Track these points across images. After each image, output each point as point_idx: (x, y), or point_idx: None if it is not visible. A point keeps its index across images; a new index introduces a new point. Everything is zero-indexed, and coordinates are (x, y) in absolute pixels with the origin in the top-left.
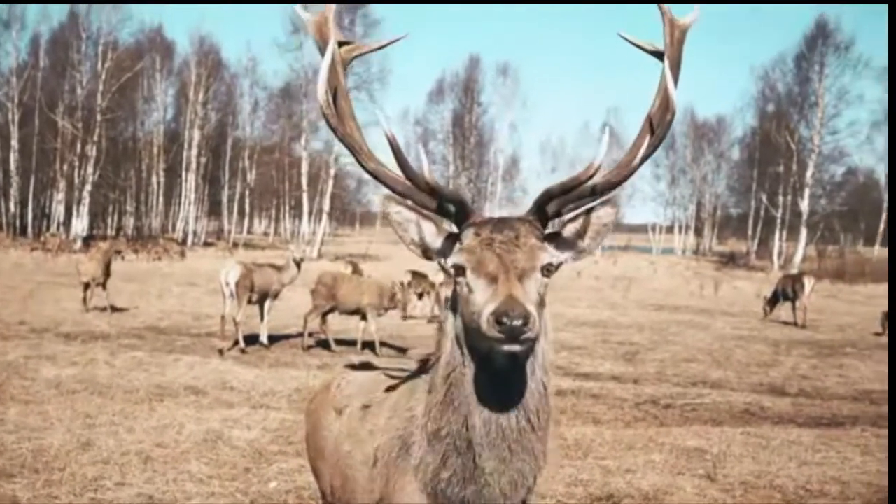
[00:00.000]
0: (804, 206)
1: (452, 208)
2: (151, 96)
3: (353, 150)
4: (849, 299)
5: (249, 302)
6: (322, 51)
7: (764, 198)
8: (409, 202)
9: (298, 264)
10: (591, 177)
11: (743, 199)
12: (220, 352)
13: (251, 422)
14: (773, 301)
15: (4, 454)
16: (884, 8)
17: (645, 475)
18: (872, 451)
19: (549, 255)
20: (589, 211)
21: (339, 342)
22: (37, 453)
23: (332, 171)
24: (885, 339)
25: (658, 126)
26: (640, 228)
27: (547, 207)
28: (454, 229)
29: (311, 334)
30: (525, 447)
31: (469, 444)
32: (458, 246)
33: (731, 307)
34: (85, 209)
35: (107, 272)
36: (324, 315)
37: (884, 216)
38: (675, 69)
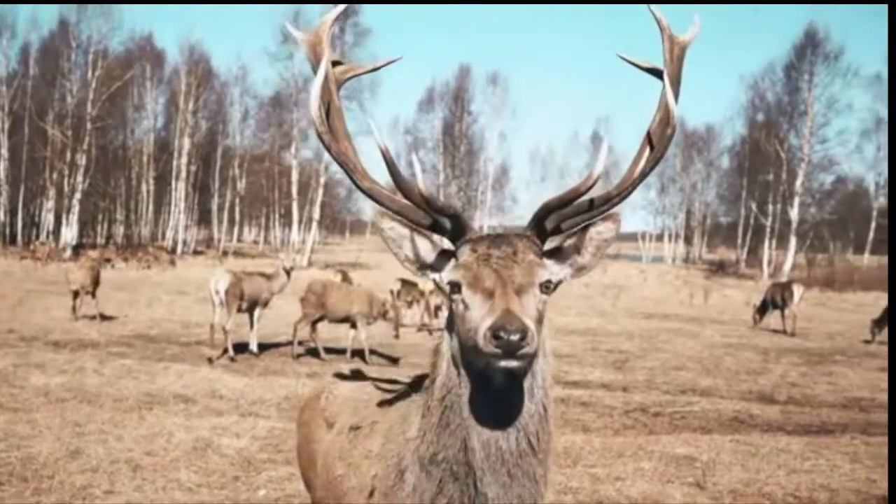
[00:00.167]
0: (794, 214)
1: (448, 224)
2: (141, 105)
3: (348, 169)
4: (838, 307)
5: (239, 310)
6: (316, 70)
7: (753, 206)
8: (403, 218)
9: (288, 273)
10: (589, 188)
11: (732, 208)
12: (210, 360)
13: (240, 430)
14: (762, 309)
15: None
16: (879, 9)
17: (634, 483)
18: (861, 459)
19: (548, 271)
20: (588, 226)
21: (329, 350)
22: (25, 461)
23: (322, 180)
24: (874, 347)
25: (658, 142)
26: (630, 237)
27: (546, 222)
28: (450, 246)
29: (300, 343)
30: (525, 471)
31: (469, 469)
32: (453, 262)
33: (721, 315)
34: (74, 217)
35: (96, 281)
36: (313, 323)
37: (873, 224)
38: (675, 86)
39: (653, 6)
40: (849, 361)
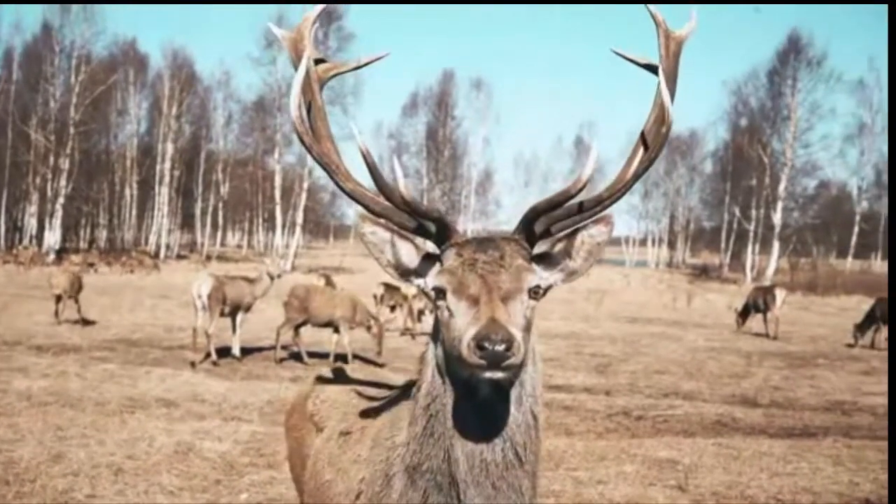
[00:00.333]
0: (777, 218)
1: (432, 227)
2: (125, 109)
3: (330, 171)
4: (821, 311)
5: (221, 314)
6: (297, 68)
7: (737, 211)
8: (386, 221)
9: (272, 278)
10: (579, 190)
11: (716, 212)
12: (192, 364)
13: (222, 434)
14: (744, 313)
15: None
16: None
17: (617, 486)
18: (844, 462)
19: (537, 276)
20: (578, 230)
21: (312, 355)
22: (7, 465)
23: (306, 185)
24: (856, 351)
25: (653, 141)
26: (614, 241)
27: (534, 225)
28: (434, 250)
29: (284, 347)
30: (511, 484)
31: (452, 480)
32: (437, 267)
33: (704, 319)
34: (58, 222)
35: (78, 286)
36: (297, 327)
37: (855, 229)
38: (672, 83)
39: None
40: (831, 365)
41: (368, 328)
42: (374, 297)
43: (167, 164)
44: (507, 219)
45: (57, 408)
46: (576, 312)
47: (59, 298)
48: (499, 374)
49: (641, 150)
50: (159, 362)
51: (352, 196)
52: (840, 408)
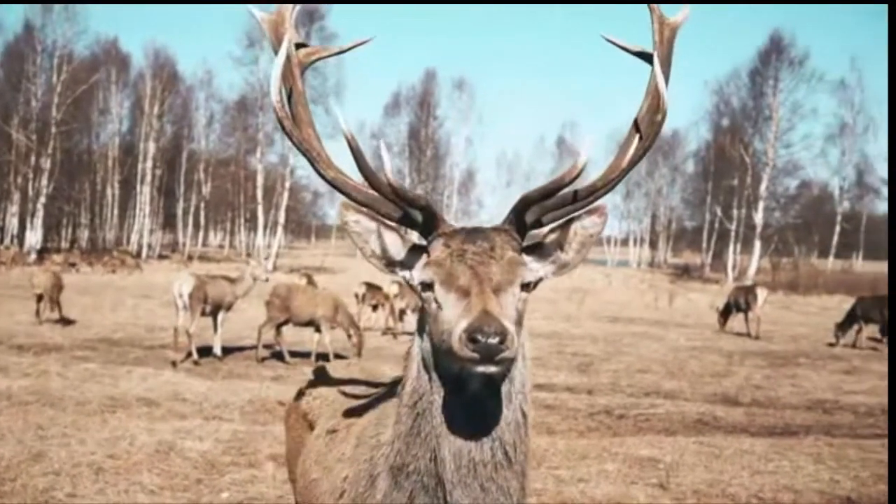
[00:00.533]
0: (758, 218)
1: (418, 217)
2: (106, 108)
3: (311, 158)
4: (802, 311)
5: (203, 314)
6: (277, 51)
7: (718, 210)
8: (369, 211)
9: (256, 280)
10: (574, 178)
11: (697, 212)
12: (174, 363)
13: (203, 433)
14: (725, 312)
15: None
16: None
17: (598, 484)
18: (825, 460)
19: (528, 268)
20: (571, 220)
21: (294, 354)
22: None
23: (288, 184)
24: (838, 350)
25: (647, 129)
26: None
27: (525, 216)
28: (420, 241)
29: (265, 346)
30: (500, 485)
31: (438, 480)
32: (424, 258)
33: (686, 319)
34: (39, 221)
35: (59, 285)
36: (278, 327)
37: (837, 228)
38: (666, 70)
39: None
40: (812, 364)
41: (349, 336)
42: (356, 296)
43: (149, 164)
44: (490, 218)
45: (38, 407)
46: (558, 312)
47: (40, 298)
48: (492, 369)
49: (636, 139)
50: (140, 362)
51: (333, 184)
52: (821, 406)
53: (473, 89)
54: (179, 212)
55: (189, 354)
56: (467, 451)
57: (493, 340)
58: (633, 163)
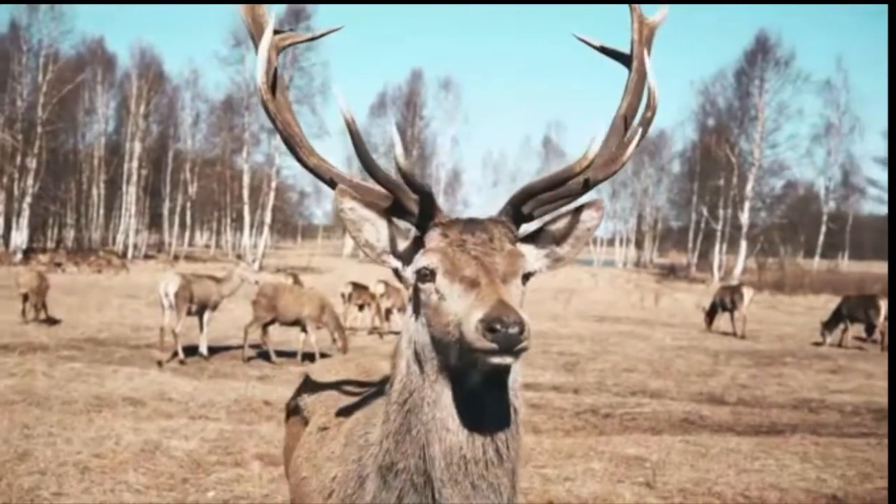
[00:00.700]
0: (744, 218)
1: (414, 207)
2: (92, 108)
3: (293, 143)
4: (788, 310)
5: (189, 313)
6: (252, 35)
7: (704, 210)
8: (363, 198)
9: (243, 281)
10: (585, 168)
11: (683, 212)
12: (160, 363)
13: (189, 432)
14: (712, 312)
15: None
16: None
17: (584, 483)
18: (811, 459)
19: (527, 261)
20: (579, 210)
21: (280, 354)
22: None
23: (274, 184)
24: (824, 349)
25: (638, 125)
26: None
27: (523, 208)
28: (414, 231)
29: (252, 346)
30: (491, 483)
31: (427, 479)
32: (421, 248)
33: (672, 318)
34: (25, 221)
35: (44, 285)
36: (265, 326)
37: (823, 228)
38: (643, 68)
39: None
40: (798, 363)
41: (334, 340)
42: (342, 295)
43: (135, 164)
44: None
45: (23, 406)
46: (544, 311)
47: (25, 298)
48: (508, 360)
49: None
50: (126, 361)
51: (315, 172)
52: (807, 405)
53: (459, 89)
54: (165, 212)
55: (175, 354)
56: (459, 448)
57: (514, 330)
58: (630, 157)
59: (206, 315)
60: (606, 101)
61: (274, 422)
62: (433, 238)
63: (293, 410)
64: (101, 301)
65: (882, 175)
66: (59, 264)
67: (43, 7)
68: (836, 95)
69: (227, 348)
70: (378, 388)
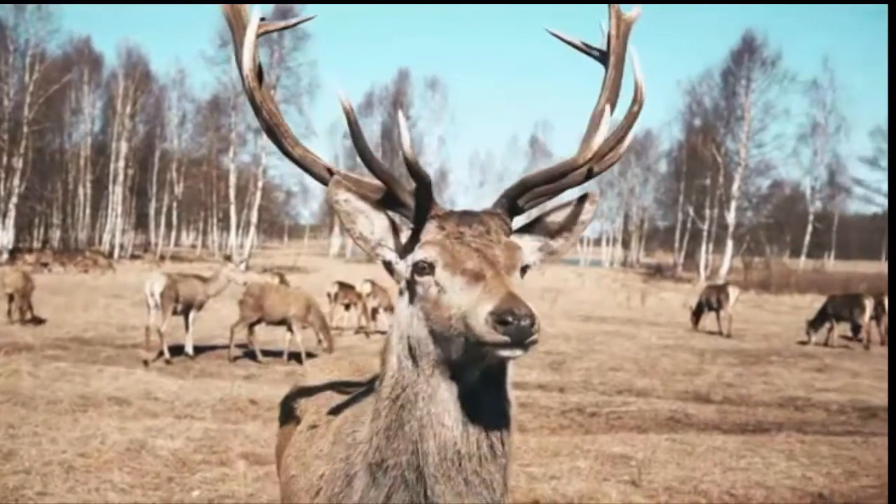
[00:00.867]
0: (730, 218)
1: (410, 200)
2: (79, 108)
3: (278, 133)
4: (774, 310)
5: (174, 313)
6: (231, 24)
7: (691, 210)
8: (358, 189)
9: (230, 281)
10: (589, 161)
11: (670, 212)
12: (145, 362)
13: (175, 431)
14: (698, 311)
15: None
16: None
17: (570, 481)
18: (797, 457)
19: (524, 253)
20: (576, 202)
21: (266, 353)
22: None
23: (260, 184)
24: (809, 348)
25: (626, 119)
26: None
27: (519, 200)
28: (409, 224)
29: (238, 345)
30: (484, 479)
31: (419, 475)
32: (416, 241)
33: (658, 318)
34: (11, 221)
35: (30, 285)
36: (251, 326)
37: (809, 228)
38: (620, 63)
39: None
40: (784, 362)
41: (319, 341)
42: (329, 295)
43: (121, 164)
44: None
45: (9, 406)
46: None
47: (11, 297)
48: (518, 353)
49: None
50: (112, 361)
51: (301, 163)
52: (793, 404)
53: (446, 89)
54: (152, 212)
55: (161, 353)
56: (453, 443)
57: (525, 323)
58: (626, 150)
59: (192, 314)
60: (594, 101)
61: (260, 421)
62: (430, 230)
63: (287, 410)
64: (87, 301)
65: (868, 175)
66: (45, 264)
67: (30, 7)
68: (822, 95)
69: (213, 348)
70: (367, 386)
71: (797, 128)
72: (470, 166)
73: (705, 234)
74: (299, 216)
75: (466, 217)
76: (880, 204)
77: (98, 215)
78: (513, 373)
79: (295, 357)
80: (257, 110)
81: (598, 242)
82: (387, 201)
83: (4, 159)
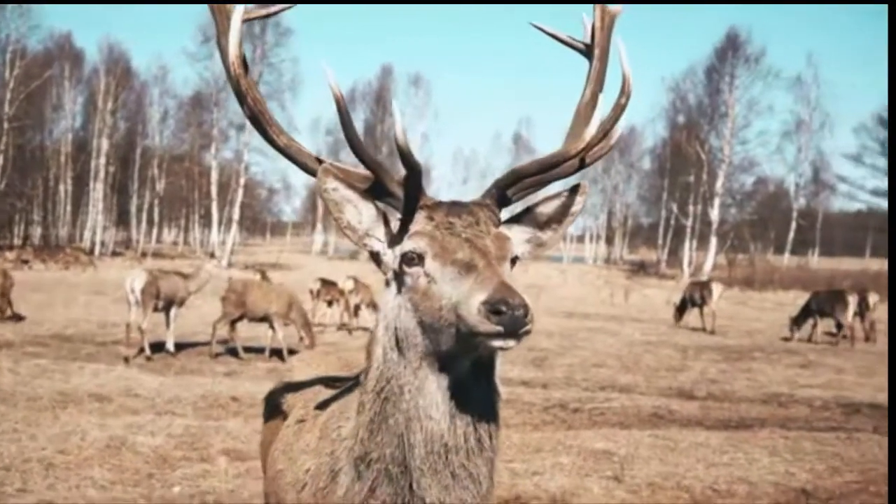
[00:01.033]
0: (714, 215)
1: (398, 190)
2: (60, 104)
3: (262, 122)
4: (758, 306)
5: (155, 309)
6: (214, 13)
7: (674, 207)
8: (346, 178)
9: (210, 277)
10: (581, 151)
11: (653, 209)
12: (126, 359)
13: (155, 428)
14: (681, 307)
15: None
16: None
17: (553, 477)
18: (780, 453)
19: (513, 244)
20: (566, 193)
21: (248, 350)
22: None
23: (242, 181)
24: (793, 344)
25: (613, 111)
26: None
27: (509, 191)
28: (397, 214)
29: (220, 342)
30: (471, 472)
31: (405, 469)
32: (405, 232)
33: (641, 314)
34: None
35: (9, 282)
36: (233, 322)
37: (793, 225)
38: (605, 56)
39: None
40: (768, 358)
41: (301, 338)
42: (311, 292)
43: (102, 160)
44: None
45: None
46: None
47: None
48: (511, 343)
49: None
50: (92, 357)
51: (285, 152)
52: (776, 400)
53: (430, 86)
54: (133, 208)
55: (141, 350)
56: (440, 436)
57: (519, 312)
58: (616, 142)
59: (173, 311)
60: (577, 97)
61: (241, 417)
62: (419, 221)
63: (272, 405)
64: (67, 298)
65: (852, 171)
66: (25, 261)
67: (10, 4)
68: (806, 91)
69: (195, 344)
70: (354, 380)
71: (781, 124)
72: (453, 163)
73: (689, 230)
74: (282, 213)
75: (456, 207)
76: (864, 200)
77: (79, 212)
78: (501, 366)
79: (277, 354)
80: (242, 98)
81: (581, 239)
82: (375, 191)
83: None
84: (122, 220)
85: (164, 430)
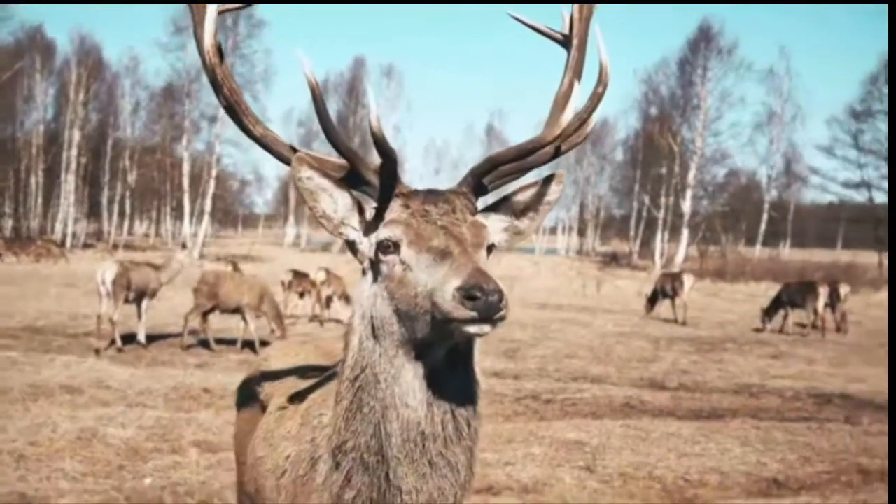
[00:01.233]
0: (686, 206)
1: (374, 179)
2: (31, 96)
3: (238, 111)
4: (730, 298)
5: (126, 301)
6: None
7: (646, 199)
8: (321, 167)
9: (182, 266)
10: (556, 138)
11: (626, 200)
12: (97, 351)
13: (126, 420)
14: (652, 299)
15: None
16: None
17: (525, 467)
18: (752, 443)
19: (490, 232)
20: (543, 181)
21: (220, 341)
22: None
23: (214, 172)
24: (764, 336)
25: (591, 99)
26: None
27: (485, 179)
28: (372, 203)
29: (191, 333)
30: (449, 461)
31: (381, 457)
32: (380, 220)
33: (613, 305)
34: None
35: None
36: (205, 314)
37: (764, 217)
38: (583, 46)
39: None
40: (739, 349)
41: (272, 330)
42: (283, 283)
43: (74, 152)
44: None
45: None
46: None
47: None
48: (486, 329)
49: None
50: (63, 349)
51: (262, 141)
52: (748, 390)
53: (402, 77)
54: (105, 200)
55: (112, 342)
56: (417, 424)
57: (493, 298)
58: (593, 128)
59: (145, 303)
60: (549, 89)
61: (212, 409)
62: (394, 209)
63: (247, 394)
64: (38, 290)
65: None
66: None
67: None
68: (778, 83)
69: (166, 336)
70: (335, 369)
71: (753, 116)
72: (425, 154)
73: (661, 222)
74: (254, 205)
75: (432, 195)
76: (835, 192)
77: (50, 204)
78: (478, 351)
79: (248, 345)
80: (218, 88)
81: (553, 231)
82: (350, 179)
83: None
84: (93, 211)
85: (135, 421)
